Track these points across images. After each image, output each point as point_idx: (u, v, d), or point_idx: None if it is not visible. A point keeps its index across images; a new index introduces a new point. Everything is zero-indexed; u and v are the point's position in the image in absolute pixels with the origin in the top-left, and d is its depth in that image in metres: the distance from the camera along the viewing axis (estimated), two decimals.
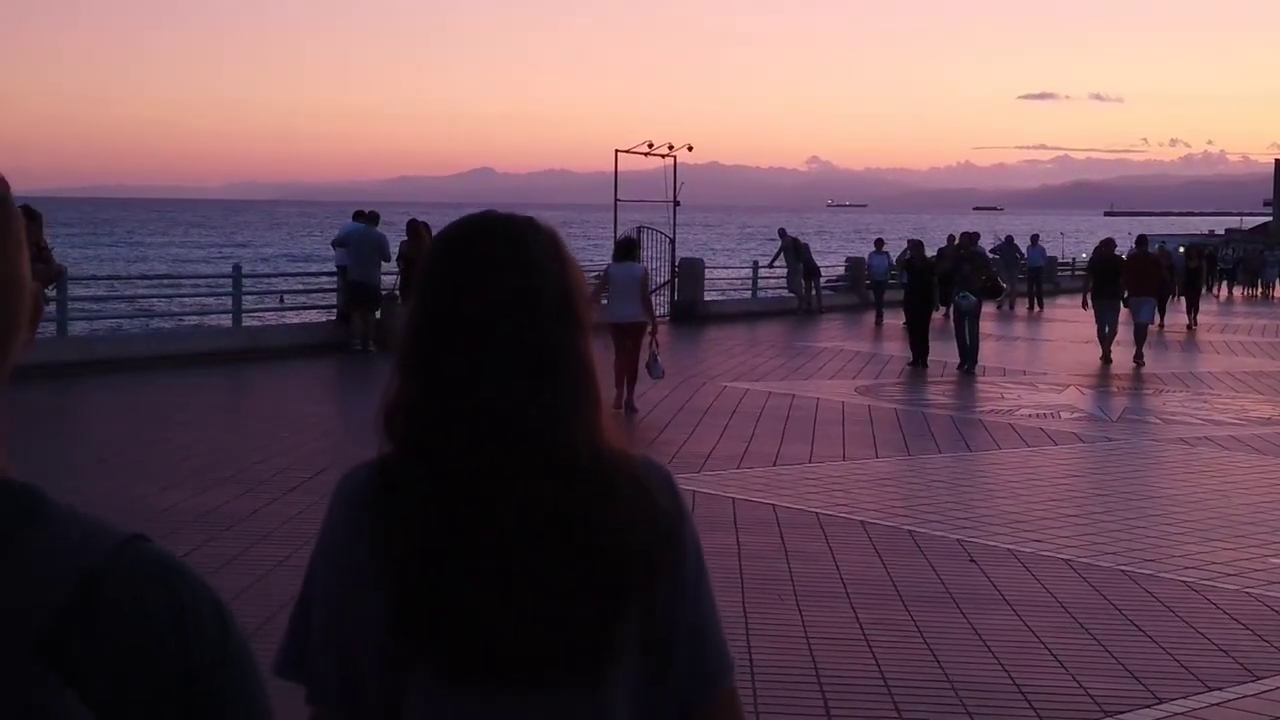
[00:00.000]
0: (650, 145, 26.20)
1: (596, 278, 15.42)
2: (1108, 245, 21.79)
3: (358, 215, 20.34)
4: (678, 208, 26.60)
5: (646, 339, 14.14)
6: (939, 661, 6.30)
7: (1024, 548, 8.62)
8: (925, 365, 19.35)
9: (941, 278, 21.10)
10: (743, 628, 6.66)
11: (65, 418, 13.99)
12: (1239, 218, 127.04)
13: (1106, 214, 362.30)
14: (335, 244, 21.07)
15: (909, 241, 25.62)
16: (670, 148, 26.39)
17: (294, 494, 9.54)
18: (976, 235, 22.77)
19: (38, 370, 15.49)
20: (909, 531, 9.00)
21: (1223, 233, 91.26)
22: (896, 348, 22.18)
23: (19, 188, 1.21)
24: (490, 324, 1.67)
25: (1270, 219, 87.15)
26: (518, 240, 1.72)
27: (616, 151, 25.70)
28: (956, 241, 22.44)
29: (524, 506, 1.63)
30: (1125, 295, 20.92)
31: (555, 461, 1.65)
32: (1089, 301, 21.28)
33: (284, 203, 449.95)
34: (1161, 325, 26.36)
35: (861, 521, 9.26)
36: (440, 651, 1.62)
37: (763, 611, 7.01)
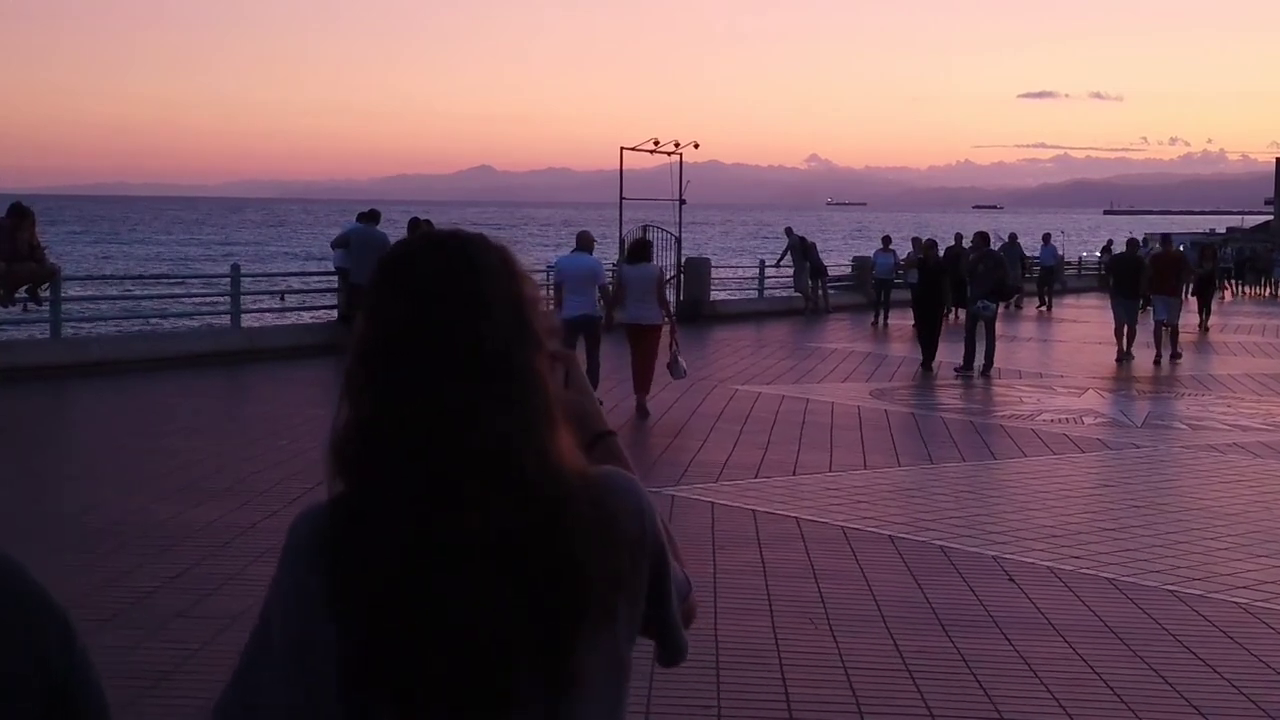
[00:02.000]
0: (656, 143, 25.80)
1: (611, 277, 15.08)
2: (1132, 245, 21.59)
3: (362, 216, 19.90)
4: (682, 206, 26.18)
5: (666, 340, 13.74)
6: (988, 694, 5.88)
7: (1064, 565, 8.18)
8: (931, 367, 18.97)
9: (958, 279, 20.71)
10: (775, 656, 6.25)
11: (58, 423, 13.56)
12: (1240, 216, 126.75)
13: (1106, 212, 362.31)
14: (335, 244, 20.57)
15: (915, 240, 25.18)
16: (676, 145, 25.99)
17: (294, 506, 9.09)
18: (988, 236, 22.43)
19: (30, 373, 15.08)
20: (940, 547, 8.57)
21: (1223, 231, 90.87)
22: (906, 349, 21.78)
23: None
24: (442, 339, 1.61)
25: (1271, 218, 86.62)
26: (468, 255, 1.67)
27: (622, 149, 25.28)
28: (971, 242, 22.09)
29: (475, 535, 1.57)
30: (1145, 295, 20.66)
31: (508, 484, 1.59)
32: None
33: (282, 200, 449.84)
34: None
35: (890, 536, 8.84)
36: (395, 694, 1.57)
37: (795, 638, 6.58)
